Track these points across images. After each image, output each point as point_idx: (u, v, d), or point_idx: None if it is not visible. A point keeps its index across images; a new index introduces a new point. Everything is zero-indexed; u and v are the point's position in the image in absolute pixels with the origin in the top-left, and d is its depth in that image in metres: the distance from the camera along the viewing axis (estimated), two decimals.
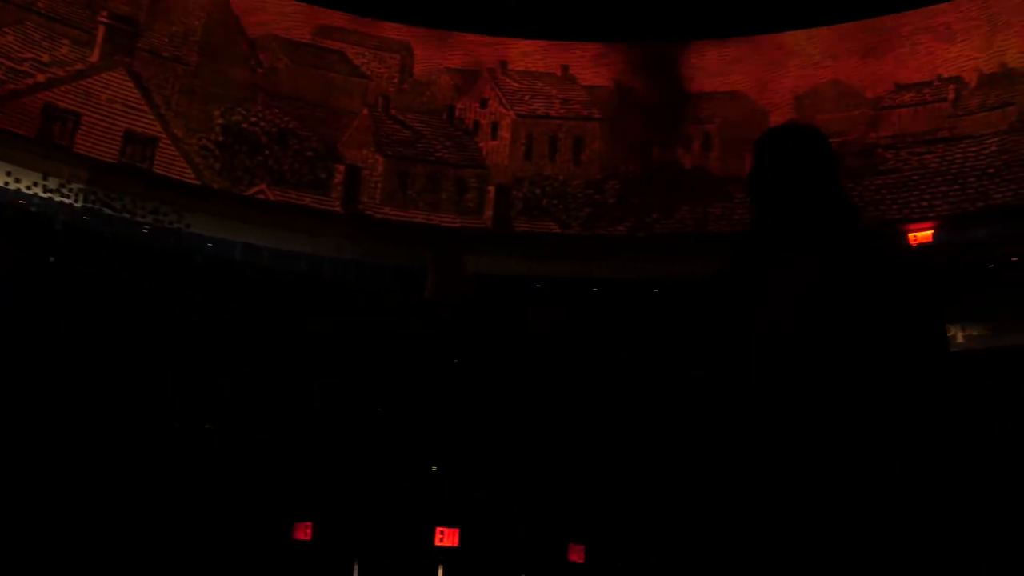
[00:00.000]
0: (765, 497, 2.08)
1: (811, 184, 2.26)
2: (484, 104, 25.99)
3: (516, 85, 26.22)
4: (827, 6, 24.14)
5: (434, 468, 14.47)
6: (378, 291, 22.11)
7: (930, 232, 22.83)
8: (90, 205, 19.60)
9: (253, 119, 23.33)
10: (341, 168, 24.13)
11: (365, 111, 24.80)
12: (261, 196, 22.98)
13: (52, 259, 17.06)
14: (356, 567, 12.24)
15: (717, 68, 25.70)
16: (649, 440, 15.84)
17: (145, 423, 13.11)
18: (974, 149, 23.03)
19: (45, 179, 19.24)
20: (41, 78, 20.89)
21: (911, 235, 23.09)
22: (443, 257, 24.10)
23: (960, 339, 20.51)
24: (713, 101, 25.53)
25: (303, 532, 12.39)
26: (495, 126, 25.84)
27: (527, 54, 26.49)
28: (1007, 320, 20.49)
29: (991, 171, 22.59)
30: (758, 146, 2.31)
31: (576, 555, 12.77)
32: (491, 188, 25.12)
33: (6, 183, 19.07)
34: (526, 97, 26.19)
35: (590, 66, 26.29)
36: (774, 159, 2.28)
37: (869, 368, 2.03)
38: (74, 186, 19.68)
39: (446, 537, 12.59)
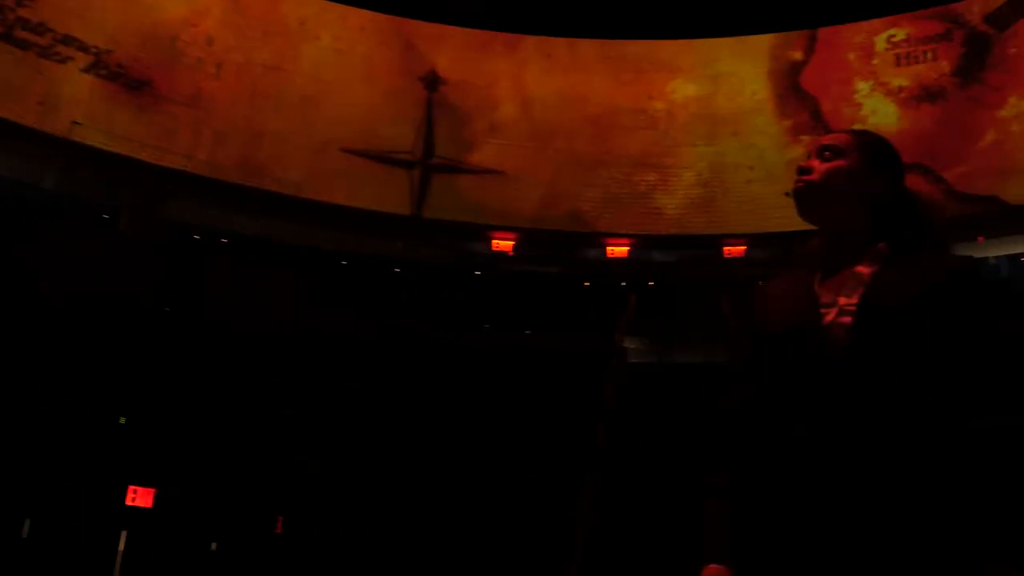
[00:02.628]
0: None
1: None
2: (211, 42, 24.38)
3: (250, 31, 24.86)
4: (569, 20, 25.18)
5: (122, 420, 13.35)
6: (71, 222, 20.06)
7: (626, 248, 24.52)
8: None
9: None
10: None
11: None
12: None
13: None
14: (27, 526, 10.95)
15: (457, 55, 25.91)
16: (349, 407, 15.69)
17: None
18: (675, 179, 25.05)
19: None
20: None
21: (608, 248, 24.67)
22: (144, 197, 22.37)
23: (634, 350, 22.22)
24: (448, 86, 25.71)
25: None
26: (220, 65, 24.31)
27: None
28: (671, 337, 22.42)
29: (687, 201, 24.71)
30: (890, 151, 2.20)
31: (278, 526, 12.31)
32: (209, 132, 23.64)
33: None
34: (257, 44, 24.91)
35: (330, 27, 25.50)
36: (899, 166, 2.21)
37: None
38: None
39: (139, 497, 11.62)
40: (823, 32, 25.17)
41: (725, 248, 24.08)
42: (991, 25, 23.54)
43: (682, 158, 25.16)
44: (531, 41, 26.08)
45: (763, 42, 25.51)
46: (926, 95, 23.89)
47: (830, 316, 1.97)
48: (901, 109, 24.00)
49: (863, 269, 2.01)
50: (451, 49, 25.90)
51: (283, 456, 12.73)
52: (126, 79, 22.79)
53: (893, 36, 24.55)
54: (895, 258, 2.00)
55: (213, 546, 11.43)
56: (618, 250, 24.68)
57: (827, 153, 2.15)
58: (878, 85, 24.37)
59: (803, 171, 2.17)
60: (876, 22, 24.68)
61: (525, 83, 25.87)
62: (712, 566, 2.04)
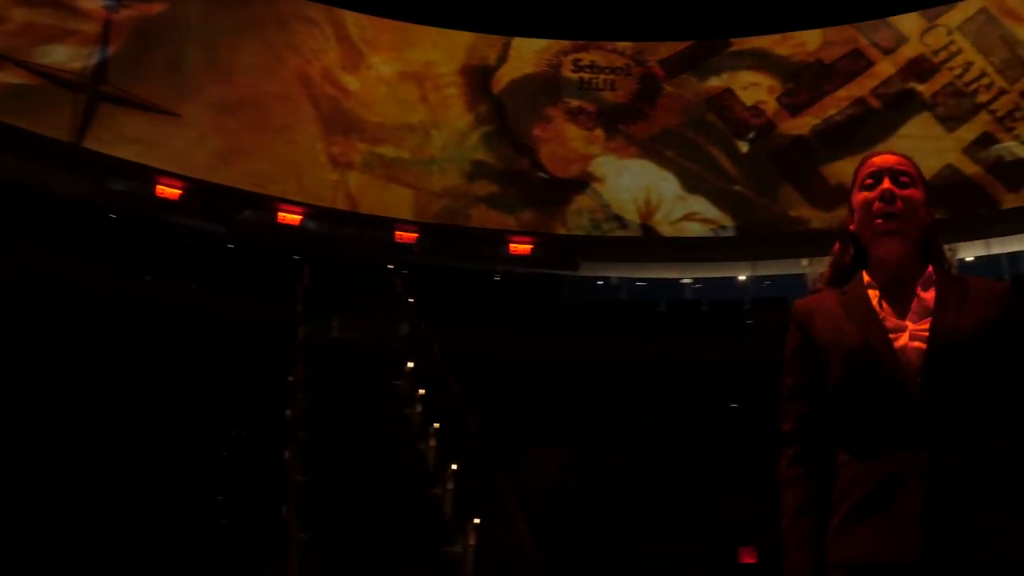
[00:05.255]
0: None
1: None
2: None
3: None
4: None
5: None
6: None
7: (299, 217, 24.08)
8: None
9: None
10: None
11: None
12: None
13: None
14: None
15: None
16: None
17: None
18: (357, 155, 25.00)
19: None
20: None
21: (280, 215, 24.06)
22: None
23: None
24: (131, 9, 23.81)
25: None
26: None
27: None
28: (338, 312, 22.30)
29: (366, 179, 24.76)
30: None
31: None
32: None
33: None
34: None
35: None
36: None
37: None
38: None
39: None
40: (517, 41, 26.22)
41: (397, 232, 24.31)
42: (663, 70, 25.76)
43: (368, 136, 25.11)
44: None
45: (462, 38, 26.10)
46: (601, 121, 25.64)
47: (901, 340, 1.97)
48: (577, 129, 25.56)
49: (924, 295, 2.04)
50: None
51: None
52: None
53: (580, 60, 26.12)
54: (945, 284, 2.04)
55: None
56: (290, 217, 24.13)
57: (903, 179, 2.13)
58: (560, 102, 25.80)
59: (890, 197, 2.11)
60: (566, 43, 26.13)
61: (218, 28, 24.48)
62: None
